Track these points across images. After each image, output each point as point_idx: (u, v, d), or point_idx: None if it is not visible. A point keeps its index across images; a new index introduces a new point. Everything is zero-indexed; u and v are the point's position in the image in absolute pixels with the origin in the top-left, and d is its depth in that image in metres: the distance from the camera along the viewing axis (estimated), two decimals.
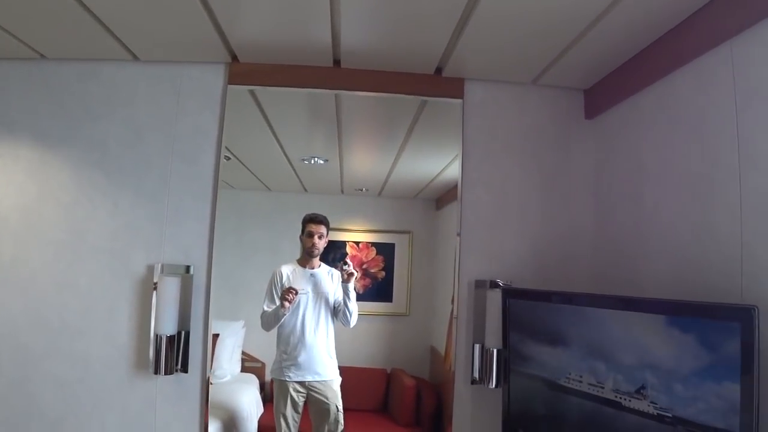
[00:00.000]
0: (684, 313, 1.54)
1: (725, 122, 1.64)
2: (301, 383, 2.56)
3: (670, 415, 1.50)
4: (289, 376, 2.56)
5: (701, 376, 1.44)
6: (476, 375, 2.28)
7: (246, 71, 2.31)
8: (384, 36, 2.05)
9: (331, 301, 2.63)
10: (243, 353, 2.80)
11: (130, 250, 2.25)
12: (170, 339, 2.15)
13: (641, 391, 1.61)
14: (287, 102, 2.46)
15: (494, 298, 2.20)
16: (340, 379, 2.61)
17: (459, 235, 2.34)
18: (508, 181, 2.38)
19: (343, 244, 2.86)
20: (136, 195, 2.27)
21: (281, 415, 2.53)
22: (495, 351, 2.19)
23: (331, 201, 2.89)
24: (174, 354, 2.16)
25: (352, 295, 2.61)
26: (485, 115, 2.40)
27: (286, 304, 2.49)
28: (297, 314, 2.57)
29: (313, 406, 2.57)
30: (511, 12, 1.80)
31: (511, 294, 2.12)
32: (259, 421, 2.66)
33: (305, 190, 2.92)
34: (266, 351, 2.71)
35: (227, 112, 2.32)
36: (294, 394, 2.55)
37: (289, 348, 2.57)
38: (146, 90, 2.31)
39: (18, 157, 2.27)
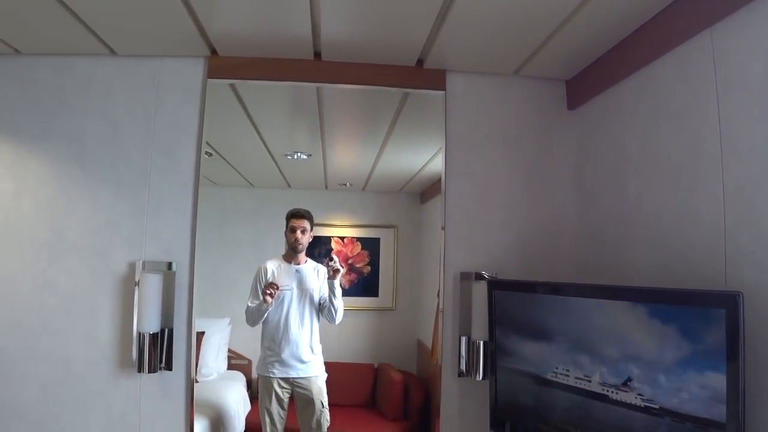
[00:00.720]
0: (669, 301, 1.55)
1: (707, 111, 1.65)
2: (285, 379, 2.56)
3: (657, 406, 1.51)
4: (274, 372, 2.56)
5: (687, 365, 1.45)
6: (463, 367, 2.28)
7: (226, 65, 2.28)
8: (364, 28, 2.04)
9: (317, 297, 2.62)
10: (229, 351, 2.81)
11: (111, 247, 2.21)
12: (153, 337, 2.12)
13: (627, 383, 1.62)
14: (268, 96, 2.44)
15: (480, 290, 2.20)
16: (325, 375, 2.62)
17: (443, 227, 2.33)
18: (491, 173, 2.38)
19: (328, 239, 2.87)
20: (115, 190, 2.23)
21: (266, 411, 2.53)
22: (481, 343, 2.19)
23: (315, 196, 2.90)
24: (158, 352, 2.14)
25: (338, 291, 2.61)
26: (467, 107, 2.39)
27: (268, 299, 2.48)
28: (281, 310, 2.56)
29: (298, 402, 2.57)
30: (490, 3, 1.79)
31: (496, 285, 2.12)
32: (246, 418, 2.66)
33: (289, 185, 2.92)
34: (252, 348, 2.70)
35: (208, 106, 2.29)
36: (279, 390, 2.55)
37: (274, 344, 2.57)
38: (124, 84, 2.28)
39: None
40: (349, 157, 2.96)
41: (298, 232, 2.62)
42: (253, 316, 2.55)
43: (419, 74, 2.35)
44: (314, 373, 2.59)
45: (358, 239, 2.89)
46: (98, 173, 2.24)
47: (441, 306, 2.33)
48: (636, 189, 2.02)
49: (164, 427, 2.18)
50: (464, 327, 2.27)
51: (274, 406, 2.53)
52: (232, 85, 2.33)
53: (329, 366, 2.64)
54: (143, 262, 2.18)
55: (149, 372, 2.12)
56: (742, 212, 1.52)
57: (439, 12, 1.86)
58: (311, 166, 2.82)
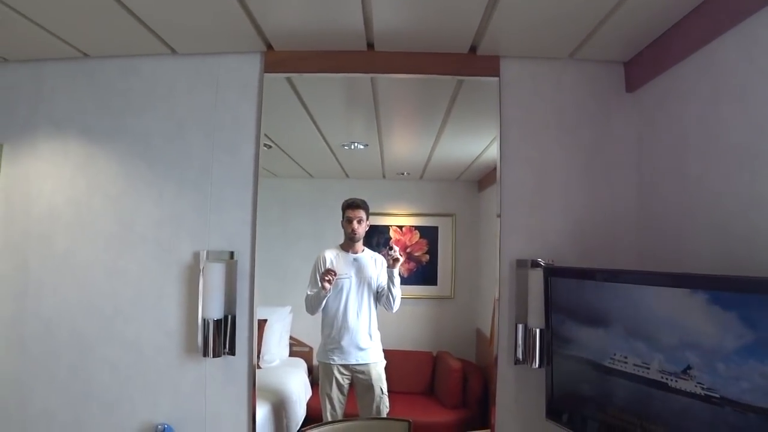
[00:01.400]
0: (730, 289, 1.49)
1: None
2: (345, 366, 2.61)
3: (717, 395, 1.46)
4: (334, 359, 2.61)
5: (749, 354, 1.39)
6: (520, 355, 2.26)
7: (281, 59, 2.34)
8: (415, 17, 2.03)
9: (374, 285, 2.65)
10: (291, 338, 2.87)
11: (176, 239, 2.32)
12: (217, 323, 2.21)
13: (687, 371, 1.57)
14: (324, 88, 2.47)
15: (536, 278, 2.18)
16: (384, 362, 2.65)
17: (499, 215, 2.32)
18: (547, 159, 2.34)
19: (387, 228, 2.88)
20: (179, 185, 2.34)
21: (327, 397, 2.60)
22: (537, 331, 2.17)
23: (373, 186, 2.91)
24: (221, 337, 2.23)
25: (397, 280, 2.64)
26: (522, 92, 2.36)
27: (327, 285, 2.54)
28: (340, 298, 2.62)
29: (359, 388, 2.62)
30: None
31: (552, 272, 2.09)
32: (308, 404, 2.73)
33: (347, 175, 2.94)
34: (314, 335, 2.76)
35: (265, 100, 2.36)
36: (339, 377, 2.60)
37: (333, 332, 2.62)
38: (185, 83, 2.37)
39: (67, 152, 2.36)
40: (405, 146, 2.96)
41: (355, 222, 2.67)
42: (313, 304, 2.62)
43: (472, 61, 2.33)
44: (373, 360, 2.63)
45: (417, 228, 2.89)
46: (163, 169, 2.35)
47: (497, 294, 2.31)
48: (697, 173, 1.94)
49: (228, 410, 2.27)
50: (521, 315, 2.25)
51: (335, 392, 2.59)
52: (288, 79, 2.38)
53: (388, 354, 2.67)
54: (207, 252, 2.27)
55: (214, 356, 2.22)
56: None
57: None
58: (368, 156, 2.83)
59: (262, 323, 2.78)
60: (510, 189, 2.33)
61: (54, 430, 2.29)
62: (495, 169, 2.37)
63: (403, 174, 2.93)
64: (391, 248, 2.64)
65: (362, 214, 2.68)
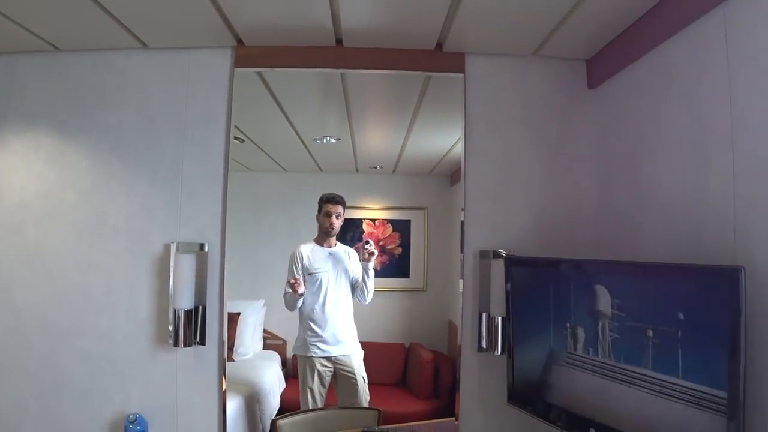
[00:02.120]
0: (675, 276, 1.57)
1: (718, 87, 1.65)
2: (328, 358, 2.67)
3: (661, 380, 1.54)
4: (315, 352, 2.67)
5: (690, 340, 1.47)
6: (484, 344, 2.33)
7: (252, 54, 2.38)
8: (381, 14, 2.09)
9: (350, 278, 2.71)
10: (265, 331, 2.91)
11: (148, 231, 2.35)
12: (188, 313, 2.25)
13: (638, 356, 1.64)
14: (295, 83, 2.51)
15: (498, 268, 2.25)
16: (362, 352, 2.72)
17: (463, 208, 2.39)
18: (511, 153, 2.41)
19: (360, 221, 2.93)
20: (151, 178, 2.37)
21: (309, 390, 2.64)
22: (499, 319, 2.25)
23: (346, 179, 2.94)
24: (192, 327, 2.27)
25: (371, 273, 2.71)
26: (487, 88, 2.42)
27: (297, 290, 2.62)
28: (319, 293, 2.68)
29: (341, 379, 2.68)
30: None
31: (511, 262, 2.16)
32: (281, 396, 2.77)
33: (320, 169, 2.98)
34: (287, 328, 2.82)
35: (238, 95, 2.40)
36: (321, 369, 2.66)
37: (313, 325, 2.68)
38: (157, 77, 2.40)
39: (38, 146, 2.38)
40: (377, 140, 3.00)
41: (333, 216, 2.72)
42: (291, 302, 2.68)
43: (439, 57, 2.39)
44: (354, 351, 2.70)
45: (389, 221, 2.93)
46: (135, 163, 2.37)
47: (461, 283, 2.38)
48: (650, 167, 2.03)
49: (199, 398, 2.31)
50: (484, 304, 2.32)
51: (316, 385, 2.65)
52: (259, 74, 2.42)
53: (362, 345, 2.74)
54: (177, 244, 2.30)
55: (184, 346, 2.26)
56: (751, 190, 1.52)
57: None
58: (341, 150, 2.87)
59: (236, 316, 2.83)
60: (474, 182, 2.39)
61: (26, 421, 2.31)
62: None
63: (376, 168, 2.97)
64: (366, 242, 2.70)
65: (340, 209, 2.74)
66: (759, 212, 1.49)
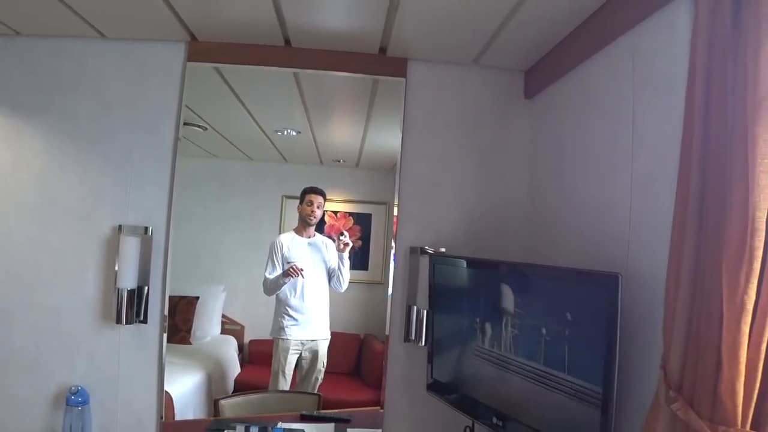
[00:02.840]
0: (565, 279, 1.70)
1: (624, 108, 1.77)
2: (301, 341, 2.80)
3: (555, 374, 1.66)
4: (290, 335, 2.79)
5: (578, 337, 1.59)
6: (412, 335, 2.46)
7: (204, 49, 2.47)
8: (323, 17, 2.19)
9: (326, 267, 2.84)
10: (223, 316, 2.98)
11: (97, 213, 2.45)
12: (131, 293, 2.36)
13: (533, 352, 1.76)
14: (251, 78, 2.60)
15: (425, 264, 2.38)
16: (329, 339, 2.85)
17: (397, 204, 2.52)
18: (446, 156, 2.54)
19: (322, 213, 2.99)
20: (103, 163, 2.47)
21: (281, 372, 2.77)
22: (424, 312, 2.38)
23: (310, 171, 3.01)
24: (134, 306, 2.38)
25: (346, 262, 2.82)
26: (427, 94, 2.54)
27: (290, 277, 2.75)
28: (297, 279, 2.79)
29: (305, 362, 2.81)
30: None
31: (435, 260, 2.29)
32: (235, 380, 2.88)
33: (285, 160, 3.03)
34: (246, 315, 2.93)
35: (199, 86, 2.50)
36: (294, 351, 2.79)
37: (291, 310, 2.80)
38: (113, 66, 2.49)
39: None
40: (337, 135, 3.07)
41: (315, 206, 2.83)
42: (272, 287, 2.79)
43: (382, 62, 2.51)
44: (325, 337, 2.84)
45: (351, 214, 2.98)
46: (88, 147, 2.47)
47: (392, 276, 2.53)
48: (570, 178, 2.16)
49: (140, 372, 2.44)
50: (412, 297, 2.46)
51: (288, 367, 2.78)
52: (216, 68, 2.51)
53: None
54: (122, 226, 2.41)
55: (126, 323, 2.37)
56: (642, 204, 1.66)
57: (391, 1, 1.98)
58: (303, 142, 2.93)
59: (194, 300, 2.94)
60: (408, 181, 2.53)
61: None
62: None
63: (339, 161, 3.04)
64: (342, 234, 2.82)
65: (321, 200, 2.84)
66: (646, 223, 1.63)
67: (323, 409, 2.70)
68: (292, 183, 2.93)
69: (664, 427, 1.31)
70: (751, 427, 1.11)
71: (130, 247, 2.37)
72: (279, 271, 2.79)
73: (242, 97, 2.71)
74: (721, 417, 1.13)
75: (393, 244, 2.53)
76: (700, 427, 1.16)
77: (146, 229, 2.42)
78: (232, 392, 2.83)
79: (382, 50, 2.48)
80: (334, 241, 2.84)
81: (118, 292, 2.35)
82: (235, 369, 2.92)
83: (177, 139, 2.47)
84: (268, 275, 2.79)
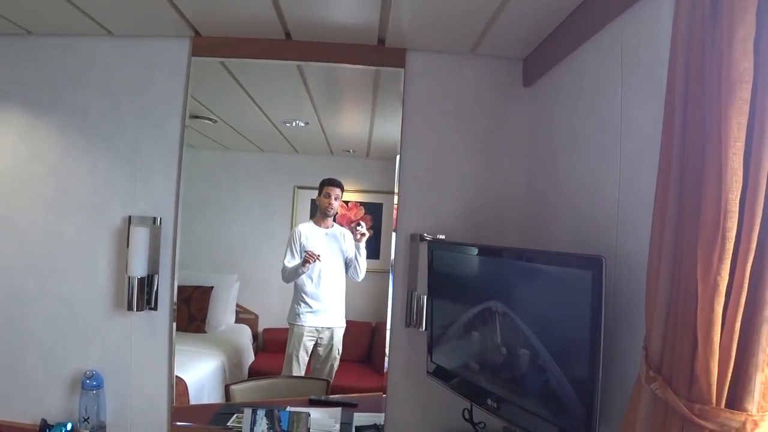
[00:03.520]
0: (551, 263, 1.73)
1: (614, 93, 1.79)
2: (316, 329, 2.88)
3: (543, 356, 1.70)
4: (306, 322, 2.87)
5: (566, 320, 1.62)
6: (414, 320, 2.51)
7: (208, 44, 2.53)
8: (321, 9, 2.22)
9: (344, 257, 2.91)
10: (237, 305, 3.07)
11: (108, 205, 2.54)
12: (141, 281, 2.45)
13: (522, 335, 1.80)
14: (256, 71, 2.65)
15: (424, 250, 2.42)
16: (344, 327, 2.92)
17: (397, 192, 2.56)
18: (445, 145, 2.57)
19: None
20: (112, 156, 2.55)
21: (295, 358, 2.85)
22: (424, 297, 2.43)
23: (321, 162, 3.05)
24: (144, 294, 2.47)
25: (363, 252, 2.89)
26: (425, 83, 2.57)
27: (308, 265, 2.82)
28: (314, 268, 2.87)
29: (321, 349, 2.89)
30: None
31: (433, 246, 2.34)
32: (250, 368, 2.97)
33: (296, 151, 3.07)
34: (260, 304, 3.01)
35: (206, 80, 2.56)
36: (308, 338, 2.87)
37: (307, 297, 2.88)
38: (121, 62, 2.56)
39: (9, 122, 2.56)
40: (344, 125, 3.10)
41: (332, 198, 2.91)
42: (290, 275, 2.87)
43: (381, 53, 2.54)
44: (340, 325, 2.92)
45: (362, 204, 3.02)
46: (98, 140, 2.55)
47: (392, 263, 2.58)
48: (565, 164, 2.18)
49: (150, 357, 2.53)
50: (412, 283, 2.51)
51: (302, 353, 2.86)
52: (222, 63, 2.57)
53: None
54: (132, 217, 2.49)
55: (137, 310, 2.46)
56: (629, 186, 1.69)
57: None
58: (312, 133, 2.97)
59: (209, 290, 3.02)
60: (408, 169, 2.57)
61: None
62: None
63: (349, 151, 3.07)
64: (359, 224, 2.88)
65: (339, 192, 2.92)
66: (633, 207, 1.66)
67: (335, 394, 2.77)
68: (304, 173, 2.99)
69: (646, 406, 1.34)
70: (726, 405, 1.14)
71: (140, 236, 2.45)
72: (297, 260, 2.86)
73: (249, 90, 2.76)
74: (696, 395, 1.16)
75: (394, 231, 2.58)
76: (677, 405, 1.19)
77: (155, 219, 2.50)
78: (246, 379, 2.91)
79: (381, 41, 2.52)
80: (356, 228, 2.89)
81: (129, 280, 2.44)
82: (249, 357, 3.00)
83: (183, 131, 2.54)
84: (286, 263, 2.87)
